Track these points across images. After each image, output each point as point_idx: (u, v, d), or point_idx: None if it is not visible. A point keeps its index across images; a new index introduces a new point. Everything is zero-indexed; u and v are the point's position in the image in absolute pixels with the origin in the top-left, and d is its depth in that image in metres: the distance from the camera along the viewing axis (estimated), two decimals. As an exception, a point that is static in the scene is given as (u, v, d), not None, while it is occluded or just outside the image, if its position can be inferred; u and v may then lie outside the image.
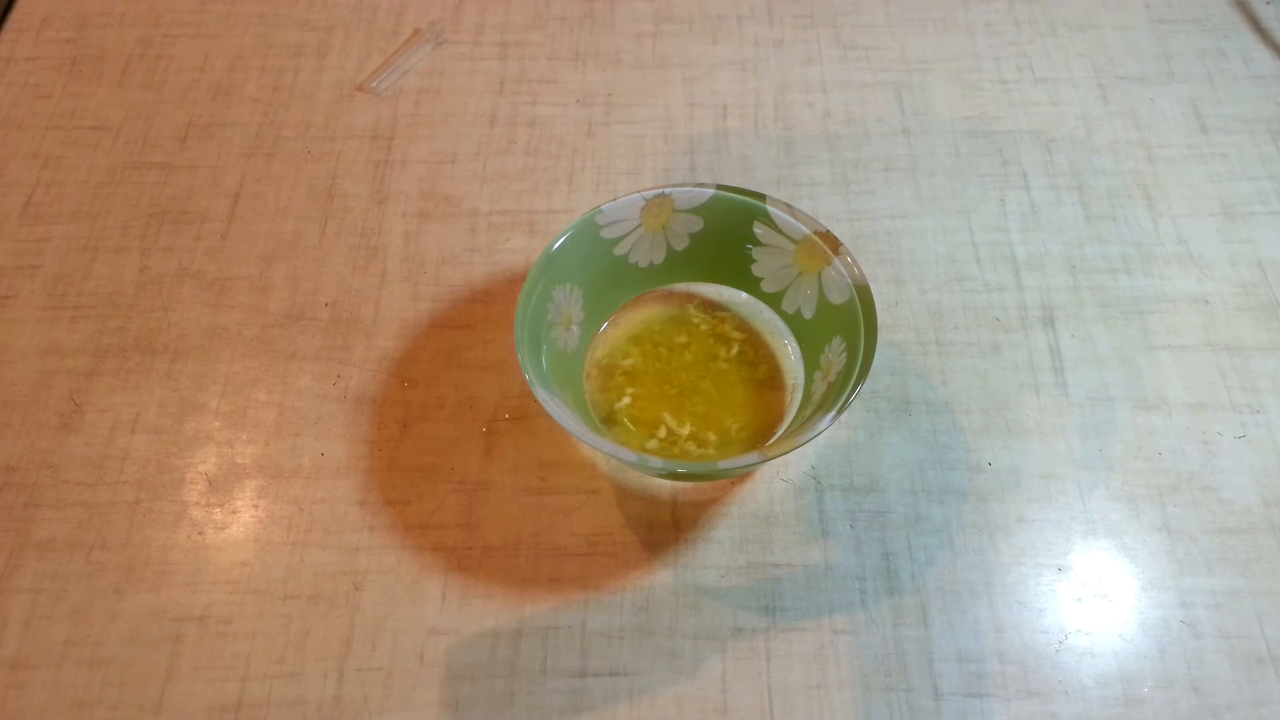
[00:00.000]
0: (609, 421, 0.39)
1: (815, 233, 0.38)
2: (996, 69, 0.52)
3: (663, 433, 0.39)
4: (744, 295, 0.42)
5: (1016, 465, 0.40)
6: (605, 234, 0.39)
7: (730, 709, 0.35)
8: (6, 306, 0.44)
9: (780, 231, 0.39)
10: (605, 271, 0.40)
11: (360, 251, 0.46)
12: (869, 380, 0.34)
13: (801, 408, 0.38)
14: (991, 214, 0.47)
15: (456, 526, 0.38)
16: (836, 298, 0.37)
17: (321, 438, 0.41)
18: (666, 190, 0.39)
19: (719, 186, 0.39)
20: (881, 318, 0.43)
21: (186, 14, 0.55)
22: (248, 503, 0.39)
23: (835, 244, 0.37)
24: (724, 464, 0.33)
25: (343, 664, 0.36)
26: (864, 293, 0.36)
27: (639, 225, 0.39)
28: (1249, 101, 0.51)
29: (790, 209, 0.38)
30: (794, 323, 0.40)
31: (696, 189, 0.39)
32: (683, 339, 0.41)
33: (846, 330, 0.36)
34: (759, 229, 0.39)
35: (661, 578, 0.37)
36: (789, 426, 0.38)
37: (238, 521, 0.39)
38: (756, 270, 0.40)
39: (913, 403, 0.41)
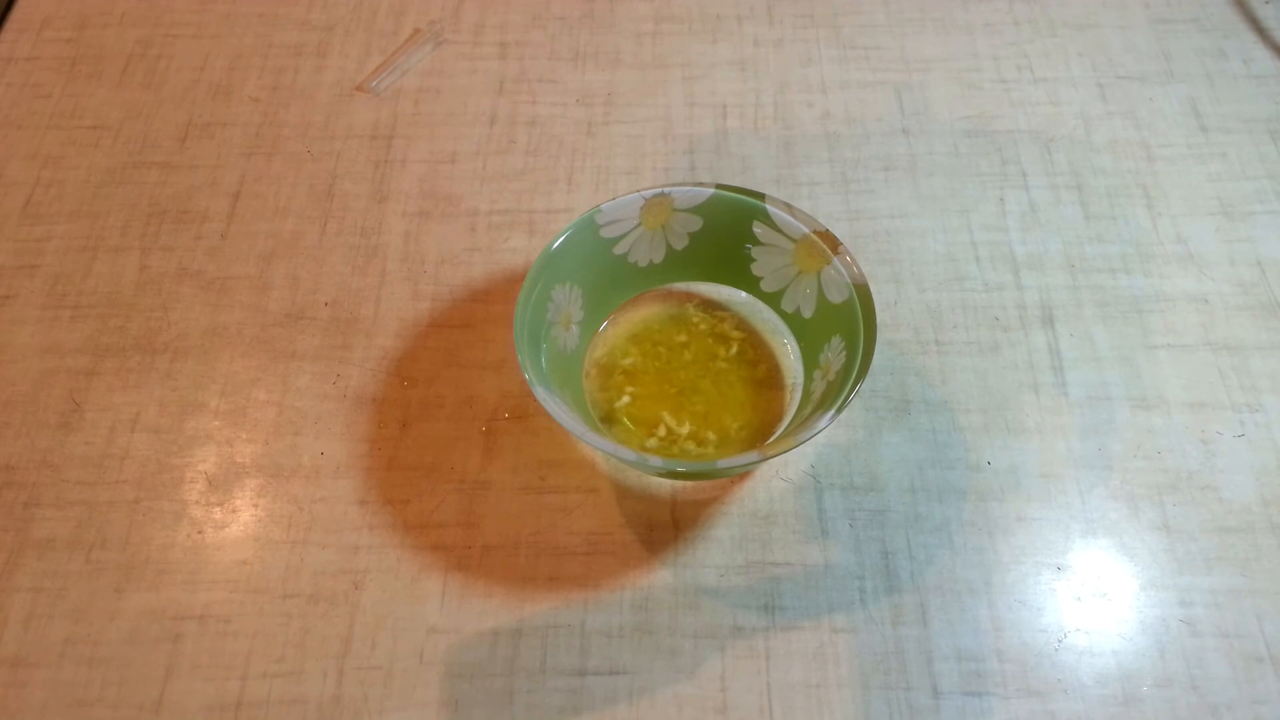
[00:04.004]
0: (608, 420, 0.39)
1: (815, 232, 0.38)
2: (996, 69, 0.52)
3: (662, 432, 0.39)
4: (743, 294, 0.42)
5: (1016, 464, 0.40)
6: (605, 233, 0.39)
7: (730, 708, 0.35)
8: (6, 306, 0.44)
9: (780, 231, 0.39)
10: (605, 271, 0.40)
11: (360, 251, 0.46)
12: (868, 379, 0.34)
13: (801, 407, 0.38)
14: (991, 213, 0.47)
15: (456, 526, 0.38)
16: (836, 297, 0.37)
17: (321, 437, 0.41)
18: (666, 190, 0.39)
19: (718, 186, 0.39)
20: (881, 317, 0.43)
21: (186, 14, 0.55)
22: (247, 502, 0.39)
23: (834, 243, 0.37)
24: (723, 463, 0.33)
25: (342, 662, 0.36)
26: (863, 292, 0.36)
27: (638, 224, 0.39)
28: (1248, 101, 0.51)
29: (790, 208, 0.38)
30: (793, 322, 0.40)
31: (696, 188, 0.39)
32: (682, 338, 0.41)
33: (846, 329, 0.36)
34: (758, 228, 0.39)
35: (661, 577, 0.37)
36: (788, 425, 0.38)
37: (237, 520, 0.39)
38: (756, 269, 0.40)
39: (912, 402, 0.41)
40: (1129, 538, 0.38)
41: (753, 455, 0.33)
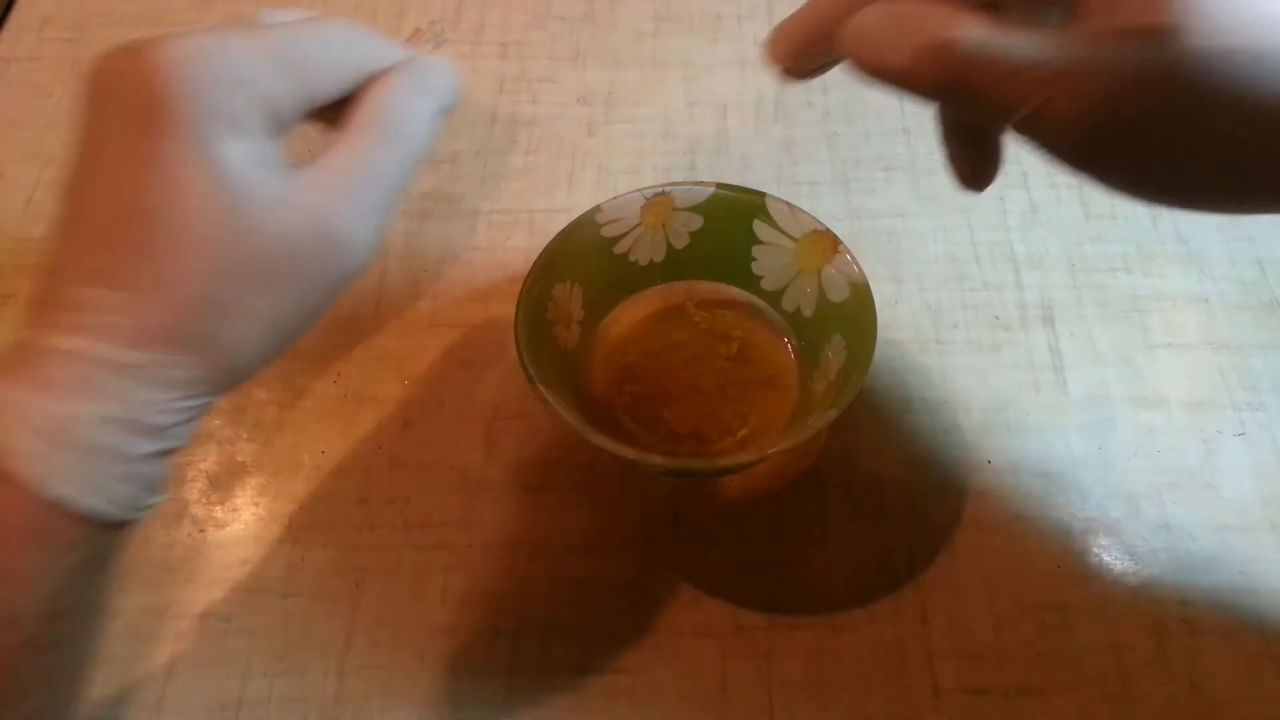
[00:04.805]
0: (609, 420, 0.39)
1: (815, 231, 0.38)
2: (996, 68, 0.52)
3: (662, 430, 0.39)
4: (744, 293, 0.42)
5: (1016, 464, 0.40)
6: (605, 232, 0.39)
7: (730, 707, 0.35)
8: (7, 306, 0.44)
9: (780, 230, 0.39)
10: (605, 269, 0.40)
11: (361, 250, 0.46)
12: (868, 378, 0.35)
13: (801, 406, 0.38)
14: (991, 213, 0.47)
15: (457, 525, 0.38)
16: (836, 296, 0.37)
17: (322, 436, 0.41)
18: (666, 188, 0.39)
19: (719, 185, 0.39)
20: (881, 316, 0.43)
21: (186, 14, 0.55)
22: (248, 500, 0.39)
23: (835, 243, 0.37)
24: (724, 462, 0.33)
25: (343, 661, 0.36)
26: (863, 291, 0.36)
27: (639, 223, 0.39)
28: (1248, 101, 0.50)
29: (790, 208, 0.38)
30: (794, 321, 0.40)
31: (696, 187, 0.39)
32: (682, 337, 0.41)
33: (846, 328, 0.36)
34: (759, 227, 0.39)
35: (662, 576, 0.37)
36: (789, 425, 0.38)
37: (238, 519, 0.39)
38: (756, 268, 0.40)
39: (912, 401, 0.41)
40: (1129, 536, 0.38)
41: (753, 454, 0.33)
